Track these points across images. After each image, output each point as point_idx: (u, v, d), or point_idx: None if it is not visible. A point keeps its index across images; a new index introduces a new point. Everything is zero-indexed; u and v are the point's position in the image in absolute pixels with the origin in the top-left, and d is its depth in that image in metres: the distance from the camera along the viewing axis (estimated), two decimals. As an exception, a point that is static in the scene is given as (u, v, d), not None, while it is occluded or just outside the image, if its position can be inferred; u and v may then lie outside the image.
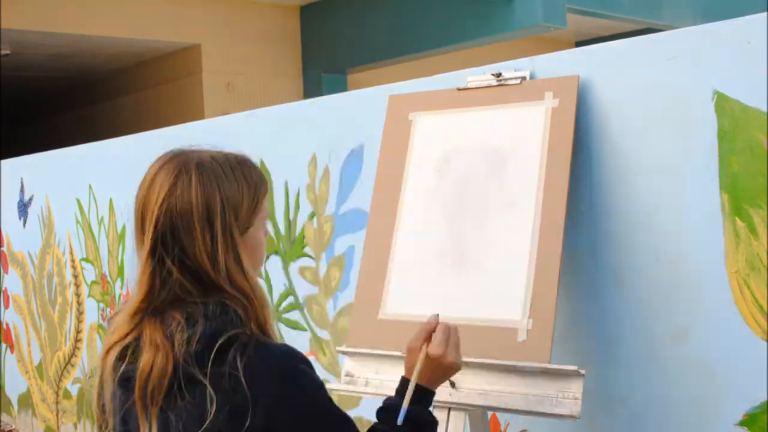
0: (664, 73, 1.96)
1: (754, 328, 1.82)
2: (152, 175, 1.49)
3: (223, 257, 1.41)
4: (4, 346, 5.48)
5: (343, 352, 2.22)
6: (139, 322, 1.43)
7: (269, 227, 3.21)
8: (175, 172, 1.45)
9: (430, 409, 1.64)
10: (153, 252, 1.43)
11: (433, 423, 1.62)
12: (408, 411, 1.56)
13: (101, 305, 4.36)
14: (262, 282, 1.42)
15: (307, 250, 3.02)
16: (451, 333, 1.68)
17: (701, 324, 1.91)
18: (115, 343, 1.44)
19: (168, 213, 1.42)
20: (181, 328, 1.37)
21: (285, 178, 3.13)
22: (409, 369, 1.65)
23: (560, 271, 2.00)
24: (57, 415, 4.91)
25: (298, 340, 3.02)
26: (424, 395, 1.62)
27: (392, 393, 1.67)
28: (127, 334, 1.43)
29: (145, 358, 1.36)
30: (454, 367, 1.66)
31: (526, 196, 2.08)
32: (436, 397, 1.77)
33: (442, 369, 1.65)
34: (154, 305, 1.43)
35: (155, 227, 1.43)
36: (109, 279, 4.27)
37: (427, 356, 1.64)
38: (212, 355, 1.34)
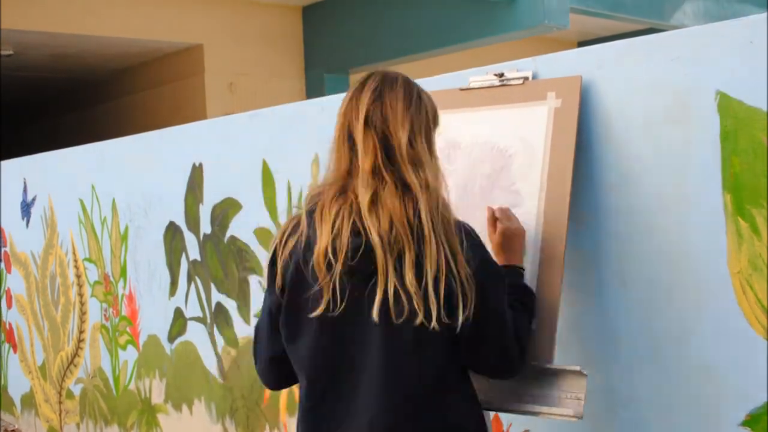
0: (667, 73, 1.96)
1: (757, 328, 1.82)
2: (362, 80, 1.79)
3: (418, 139, 1.73)
4: (7, 346, 5.49)
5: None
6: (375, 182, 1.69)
7: (273, 228, 3.22)
8: (383, 77, 1.77)
9: None
10: (366, 125, 1.72)
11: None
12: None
13: (104, 305, 4.37)
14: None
15: (309, 250, 3.02)
16: (507, 209, 2.03)
17: (704, 324, 1.91)
18: (371, 197, 1.68)
19: (378, 100, 1.73)
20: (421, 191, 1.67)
21: (287, 177, 3.13)
22: (501, 254, 1.98)
23: (563, 271, 2.00)
24: (60, 415, 4.92)
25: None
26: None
27: None
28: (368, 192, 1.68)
29: (399, 203, 1.66)
30: (522, 231, 2.01)
31: (529, 197, 2.08)
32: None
33: (519, 238, 1.98)
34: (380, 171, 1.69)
35: (367, 110, 1.72)
36: (111, 279, 4.27)
37: (507, 235, 1.97)
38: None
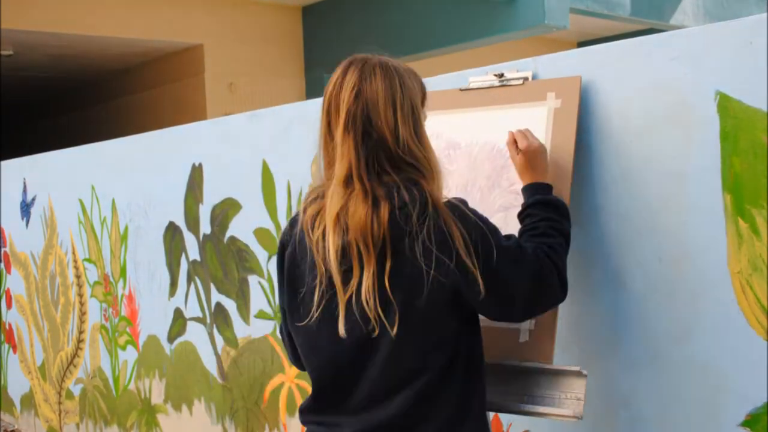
0: (667, 74, 1.96)
1: (757, 328, 1.82)
2: (341, 72, 1.74)
3: (403, 131, 1.69)
4: (6, 346, 5.49)
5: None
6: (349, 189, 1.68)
7: (272, 228, 3.22)
8: (362, 68, 1.73)
9: None
10: (346, 129, 1.69)
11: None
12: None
13: (104, 305, 4.37)
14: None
15: (309, 250, 3.02)
16: (526, 131, 2.03)
17: (703, 325, 1.91)
18: (339, 209, 1.67)
19: (359, 98, 1.69)
20: (396, 193, 1.65)
21: (287, 178, 3.13)
22: (526, 173, 1.99)
23: (562, 271, 2.00)
24: (59, 415, 4.92)
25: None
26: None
27: None
28: (344, 203, 1.67)
29: (364, 212, 1.63)
30: (544, 148, 2.00)
31: (529, 197, 2.08)
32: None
33: (542, 155, 1.98)
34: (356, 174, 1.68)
35: (347, 111, 1.69)
36: (111, 279, 4.27)
37: (529, 154, 1.97)
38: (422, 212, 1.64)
